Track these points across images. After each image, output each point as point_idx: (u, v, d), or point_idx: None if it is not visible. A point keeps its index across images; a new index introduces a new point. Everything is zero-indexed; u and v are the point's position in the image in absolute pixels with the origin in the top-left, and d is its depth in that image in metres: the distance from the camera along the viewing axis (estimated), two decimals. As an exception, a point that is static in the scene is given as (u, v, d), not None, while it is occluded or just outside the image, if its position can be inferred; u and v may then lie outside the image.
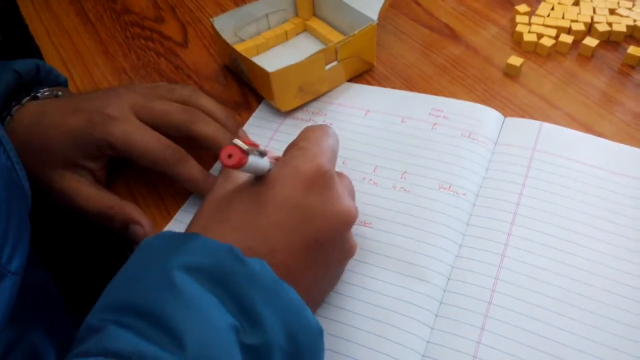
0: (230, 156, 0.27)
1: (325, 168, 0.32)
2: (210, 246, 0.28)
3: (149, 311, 0.25)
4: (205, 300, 0.26)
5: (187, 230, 0.32)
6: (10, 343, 0.32)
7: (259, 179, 0.32)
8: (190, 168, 0.40)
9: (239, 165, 0.28)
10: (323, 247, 0.32)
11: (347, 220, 0.32)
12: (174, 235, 0.30)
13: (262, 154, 0.31)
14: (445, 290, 0.36)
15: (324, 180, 0.32)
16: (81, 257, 0.53)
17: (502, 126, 0.46)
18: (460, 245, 0.38)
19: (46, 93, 0.43)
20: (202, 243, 0.28)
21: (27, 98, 0.42)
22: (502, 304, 0.35)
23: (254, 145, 0.29)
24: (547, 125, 0.45)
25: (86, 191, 0.40)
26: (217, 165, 0.45)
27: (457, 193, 0.41)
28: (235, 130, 0.44)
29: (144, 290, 0.26)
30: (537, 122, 0.45)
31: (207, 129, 0.42)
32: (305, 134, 0.35)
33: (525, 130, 0.45)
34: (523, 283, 0.36)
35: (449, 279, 0.37)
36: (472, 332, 0.34)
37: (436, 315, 0.35)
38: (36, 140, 0.40)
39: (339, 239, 0.33)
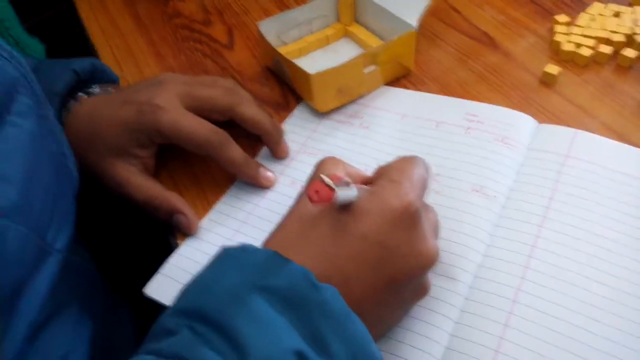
0: (317, 192, 0.28)
1: (414, 207, 0.31)
2: (288, 269, 0.29)
3: (222, 324, 0.27)
4: (277, 321, 0.27)
5: (267, 242, 0.33)
6: (48, 315, 0.34)
7: (346, 206, 0.31)
8: (233, 151, 0.43)
9: (326, 203, 0.28)
10: (398, 287, 0.32)
11: (428, 263, 0.32)
12: (254, 251, 0.31)
13: (348, 183, 0.31)
14: (471, 287, 0.37)
15: (411, 219, 0.31)
16: (124, 241, 0.56)
17: (536, 132, 0.46)
18: (489, 245, 0.39)
19: (97, 90, 0.46)
20: (280, 264, 0.29)
21: (82, 95, 0.45)
22: (527, 303, 0.36)
23: (339, 179, 0.29)
24: (581, 133, 0.45)
25: (134, 180, 0.43)
26: (263, 152, 0.48)
27: (487, 195, 0.42)
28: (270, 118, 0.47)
29: (219, 302, 0.28)
30: (571, 130, 0.45)
31: (250, 110, 0.44)
32: (398, 165, 0.34)
33: (559, 137, 0.45)
34: (548, 284, 0.37)
35: (475, 276, 0.38)
36: (495, 328, 0.35)
37: (461, 311, 0.36)
38: (90, 131, 0.43)
39: (415, 280, 0.32)
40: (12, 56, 0.33)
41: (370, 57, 0.49)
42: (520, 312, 0.35)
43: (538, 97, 0.50)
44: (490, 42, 0.56)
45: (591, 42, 0.52)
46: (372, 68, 0.50)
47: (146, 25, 0.64)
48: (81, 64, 0.45)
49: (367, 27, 0.57)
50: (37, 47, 0.55)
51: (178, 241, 0.42)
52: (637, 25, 0.53)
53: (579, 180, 0.42)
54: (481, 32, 0.57)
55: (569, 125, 0.46)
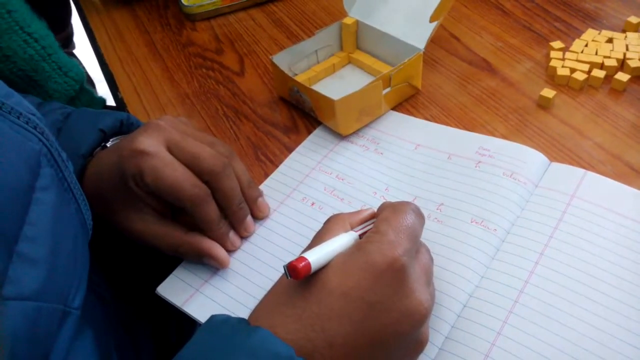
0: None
1: (400, 262, 0.31)
2: (272, 350, 0.29)
3: None
4: None
5: (258, 306, 0.33)
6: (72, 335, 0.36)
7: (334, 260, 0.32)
8: (211, 211, 0.41)
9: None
10: (388, 345, 0.31)
11: (417, 319, 0.31)
12: (239, 325, 0.31)
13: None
14: (458, 316, 0.38)
15: (396, 274, 0.31)
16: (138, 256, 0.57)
17: (546, 170, 0.47)
18: (482, 277, 0.40)
19: (113, 142, 0.44)
20: (265, 344, 0.29)
21: (98, 149, 0.44)
22: (511, 336, 0.37)
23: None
24: (591, 175, 0.45)
25: (153, 230, 0.41)
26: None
27: (487, 228, 0.42)
28: (255, 199, 0.45)
29: None
30: (581, 170, 0.46)
31: (227, 185, 0.41)
32: (386, 214, 0.34)
33: (568, 176, 0.46)
34: (535, 320, 0.37)
35: (464, 306, 0.39)
36: (476, 358, 0.36)
37: (446, 338, 0.37)
38: (96, 186, 0.42)
39: (407, 336, 0.31)
40: (35, 124, 0.31)
41: (386, 80, 0.52)
42: (503, 345, 0.36)
43: (535, 120, 0.52)
44: (488, 68, 0.59)
45: (585, 67, 0.55)
46: (387, 90, 0.53)
47: (161, 54, 0.67)
48: (109, 122, 0.44)
49: (369, 53, 0.60)
50: (78, 70, 0.58)
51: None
52: (629, 51, 0.56)
53: (582, 220, 0.42)
54: (480, 58, 0.60)
55: (565, 146, 0.49)
